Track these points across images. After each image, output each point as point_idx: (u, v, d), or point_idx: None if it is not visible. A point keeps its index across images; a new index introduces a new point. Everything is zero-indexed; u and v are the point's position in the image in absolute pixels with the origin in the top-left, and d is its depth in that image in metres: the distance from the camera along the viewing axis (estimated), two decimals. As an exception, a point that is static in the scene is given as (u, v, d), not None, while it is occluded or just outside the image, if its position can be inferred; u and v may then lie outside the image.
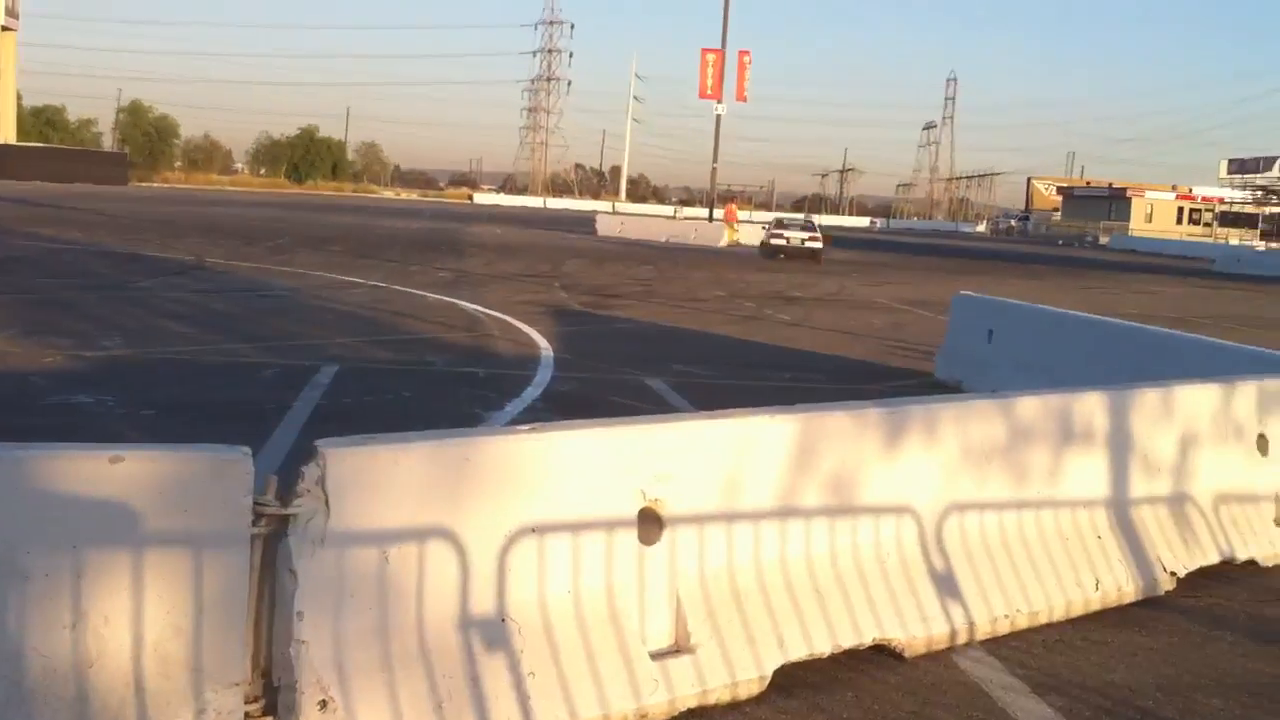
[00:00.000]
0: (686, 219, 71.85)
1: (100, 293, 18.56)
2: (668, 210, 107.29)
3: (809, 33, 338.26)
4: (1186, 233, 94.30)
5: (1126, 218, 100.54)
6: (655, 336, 17.23)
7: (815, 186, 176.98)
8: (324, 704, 3.77)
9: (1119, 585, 6.13)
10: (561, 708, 4.21)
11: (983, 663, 5.27)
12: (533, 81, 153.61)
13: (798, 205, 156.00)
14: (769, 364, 14.75)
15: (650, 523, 4.66)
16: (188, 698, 3.66)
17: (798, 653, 4.88)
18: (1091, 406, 6.37)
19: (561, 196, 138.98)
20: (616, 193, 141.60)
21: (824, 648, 4.97)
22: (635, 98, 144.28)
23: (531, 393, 11.41)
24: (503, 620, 4.23)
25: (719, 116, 61.62)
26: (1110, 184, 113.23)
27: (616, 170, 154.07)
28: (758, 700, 4.71)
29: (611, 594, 4.52)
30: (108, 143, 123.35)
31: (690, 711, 4.55)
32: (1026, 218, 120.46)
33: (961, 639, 5.42)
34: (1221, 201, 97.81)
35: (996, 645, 5.47)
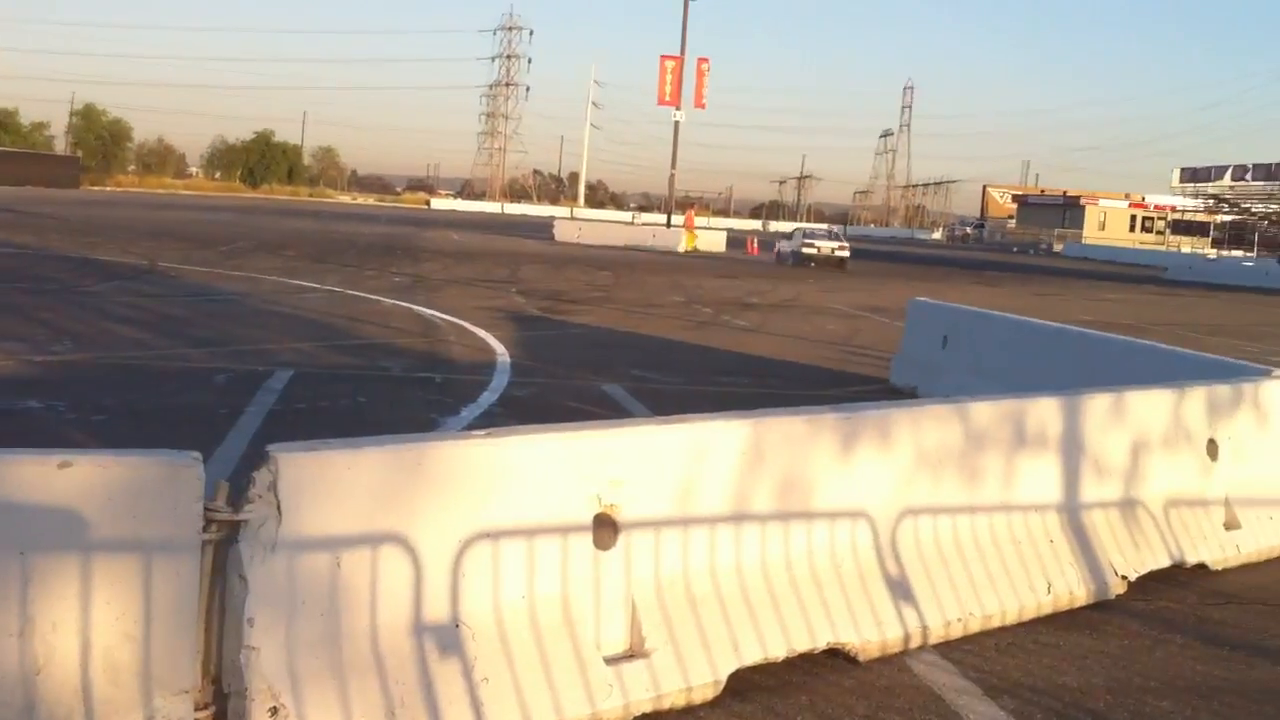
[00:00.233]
0: (645, 225, 71.89)
1: (52, 297, 18.37)
2: (626, 216, 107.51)
3: (767, 41, 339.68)
4: (1139, 240, 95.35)
5: (1080, 225, 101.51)
6: (612, 342, 17.22)
7: (773, 193, 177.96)
8: (275, 711, 3.74)
9: (1071, 589, 6.18)
10: (516, 713, 4.19)
11: (936, 666, 5.30)
12: (491, 87, 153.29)
13: (755, 212, 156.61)
14: (726, 369, 14.77)
15: (605, 528, 4.65)
16: (137, 705, 3.62)
17: (752, 657, 4.89)
18: (1044, 411, 6.42)
19: (519, 202, 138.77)
20: (575, 198, 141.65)
21: (779, 652, 4.98)
22: (594, 104, 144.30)
23: (488, 398, 11.37)
24: (457, 626, 4.21)
25: (677, 123, 61.78)
26: (1064, 192, 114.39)
27: (575, 176, 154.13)
28: (712, 705, 4.71)
29: (566, 599, 4.51)
30: (60, 146, 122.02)
31: (645, 716, 4.54)
32: (982, 225, 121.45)
33: (915, 643, 5.44)
34: (1174, 210, 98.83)
35: (950, 649, 5.50)
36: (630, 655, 4.62)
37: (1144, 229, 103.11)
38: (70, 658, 3.54)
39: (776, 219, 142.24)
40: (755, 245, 57.28)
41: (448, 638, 4.17)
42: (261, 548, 3.80)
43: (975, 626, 5.69)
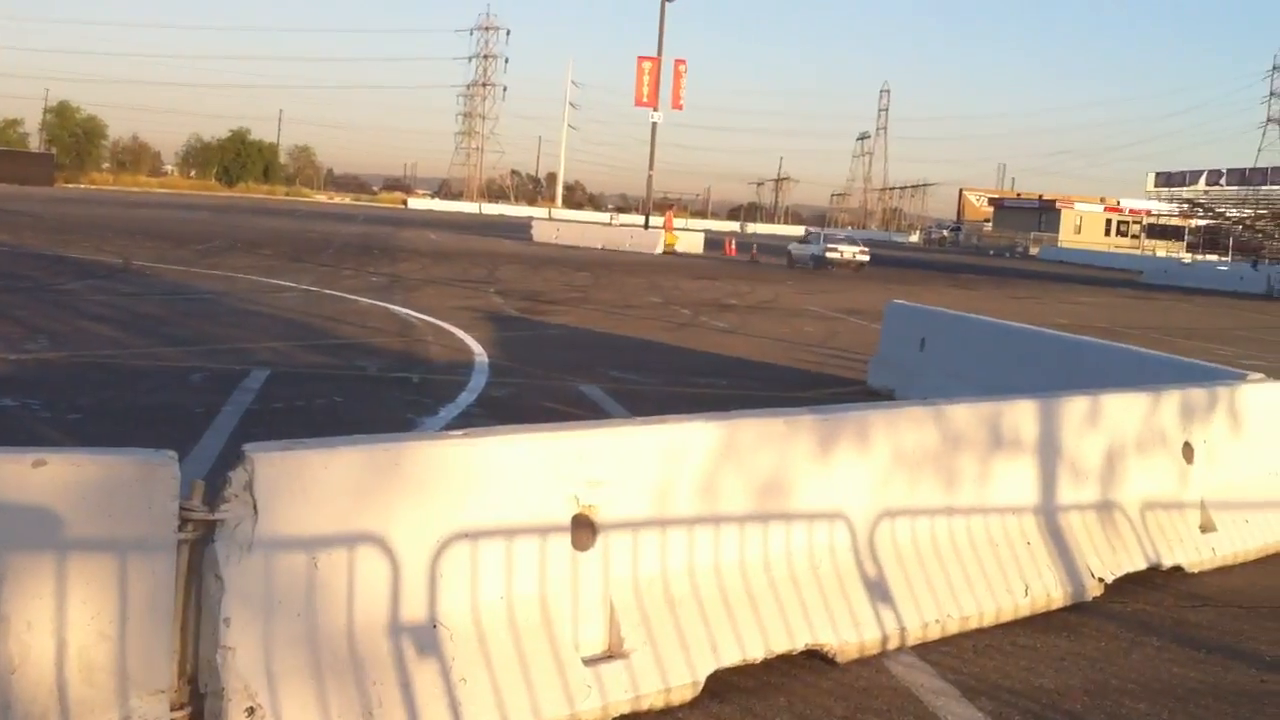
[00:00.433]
0: (622, 226, 71.88)
1: (26, 295, 18.25)
2: (604, 217, 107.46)
3: (745, 43, 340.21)
4: (1114, 244, 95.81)
5: (1056, 229, 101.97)
6: (590, 343, 17.21)
7: (751, 195, 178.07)
8: (251, 711, 3.72)
9: (1048, 591, 6.19)
10: (493, 714, 4.17)
11: (914, 667, 5.30)
12: (468, 87, 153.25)
13: (733, 214, 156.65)
14: (704, 371, 14.77)
15: (584, 528, 4.64)
16: (112, 704, 3.59)
17: (731, 658, 4.88)
18: (1021, 414, 6.44)
19: (497, 202, 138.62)
20: (552, 199, 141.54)
21: (757, 653, 4.98)
22: (571, 104, 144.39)
23: (466, 398, 11.34)
24: (434, 626, 4.19)
25: (655, 124, 61.70)
26: (1040, 196, 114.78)
27: (552, 176, 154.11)
28: (691, 706, 4.70)
29: (545, 600, 4.50)
30: (34, 143, 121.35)
31: (623, 717, 4.53)
32: (958, 228, 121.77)
33: (893, 644, 5.44)
34: (1149, 214, 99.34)
35: (928, 650, 5.50)
36: (609, 656, 4.61)
37: (1119, 233, 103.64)
38: (45, 657, 3.51)
39: (754, 220, 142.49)
40: (733, 246, 57.35)
41: (425, 638, 4.15)
42: (238, 547, 3.78)
43: (953, 628, 5.70)
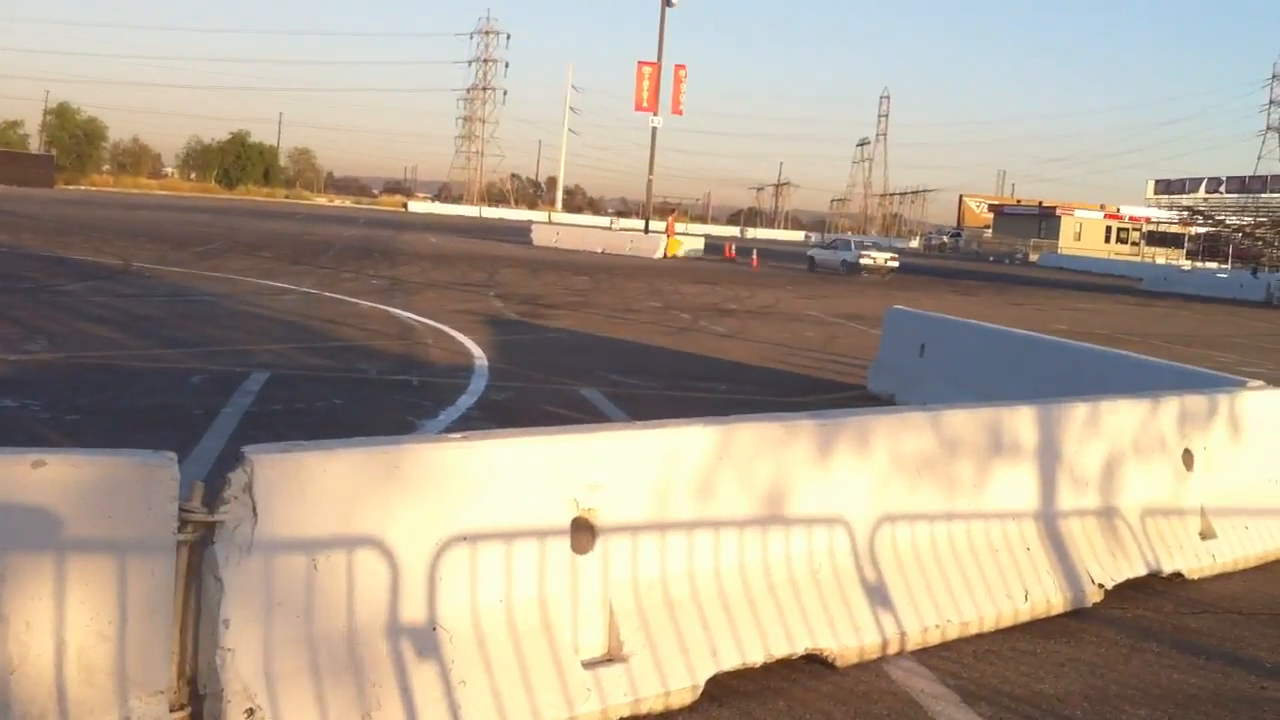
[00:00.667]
0: (622, 230, 71.91)
1: (25, 296, 18.25)
2: (604, 221, 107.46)
3: (745, 48, 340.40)
4: (1114, 251, 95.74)
5: (1056, 236, 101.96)
6: (590, 346, 17.20)
7: (751, 200, 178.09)
8: (251, 712, 3.71)
9: (1048, 597, 6.18)
10: (493, 716, 4.17)
11: (914, 673, 5.29)
12: (468, 91, 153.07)
13: (733, 219, 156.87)
14: (703, 375, 14.77)
15: (583, 532, 4.64)
16: (111, 705, 3.59)
17: (731, 662, 4.88)
18: (1021, 420, 6.43)
19: (497, 206, 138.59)
20: (552, 203, 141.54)
21: (757, 657, 4.97)
22: (572, 109, 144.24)
23: (466, 401, 11.34)
24: (434, 629, 4.19)
25: (655, 129, 61.79)
26: (1040, 203, 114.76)
27: (552, 180, 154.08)
28: (690, 709, 4.70)
29: (544, 603, 4.49)
30: (34, 145, 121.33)
31: (622, 721, 4.53)
32: (958, 234, 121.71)
33: (893, 649, 5.44)
34: (1149, 221, 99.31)
35: (927, 655, 5.50)
36: (608, 659, 4.61)
37: (1119, 240, 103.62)
38: (45, 657, 3.51)
39: (754, 226, 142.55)
40: (733, 251, 57.35)
41: (425, 640, 4.15)
42: (237, 549, 3.78)
43: (953, 633, 5.69)
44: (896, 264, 48.37)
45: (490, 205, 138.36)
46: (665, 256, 52.13)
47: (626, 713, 4.54)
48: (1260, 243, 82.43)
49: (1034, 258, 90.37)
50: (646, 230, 60.74)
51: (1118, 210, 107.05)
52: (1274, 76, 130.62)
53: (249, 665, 3.75)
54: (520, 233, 63.47)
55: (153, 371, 12.03)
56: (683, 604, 4.87)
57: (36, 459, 3.52)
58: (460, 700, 4.12)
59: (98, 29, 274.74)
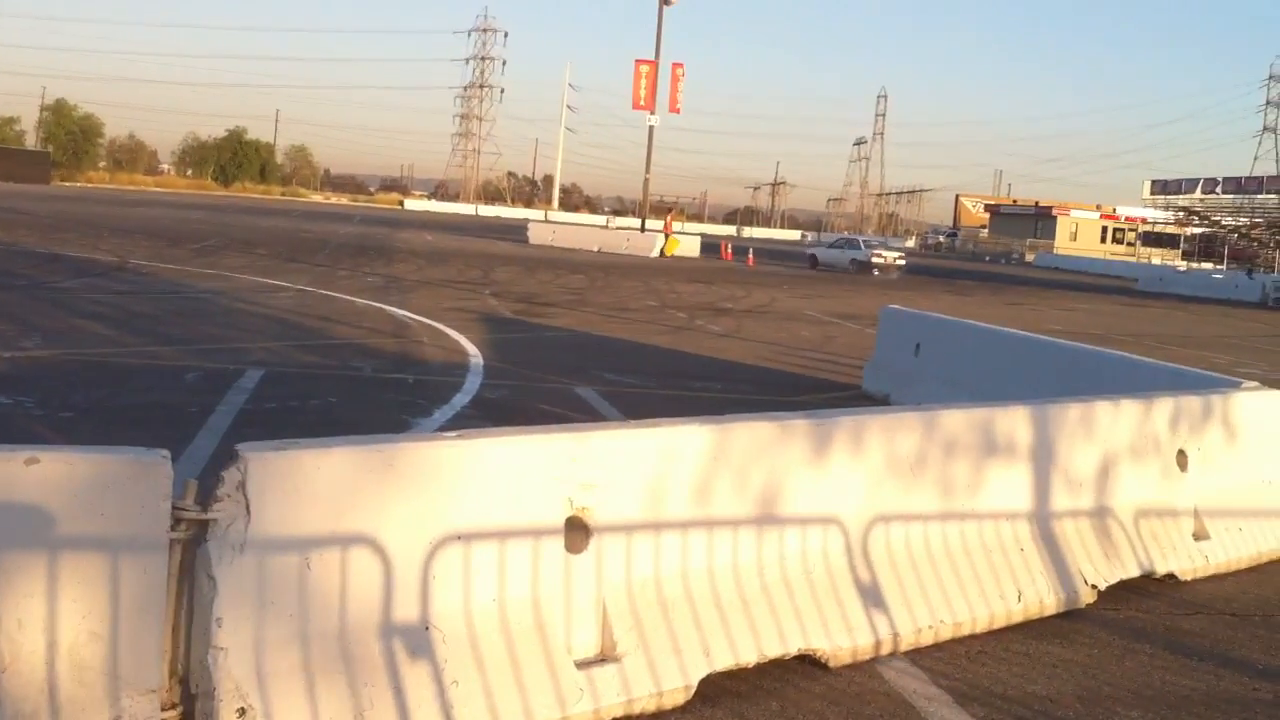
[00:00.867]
0: (619, 229, 71.86)
1: (20, 293, 18.23)
2: (600, 220, 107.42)
3: (742, 47, 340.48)
4: (1110, 252, 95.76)
5: (1052, 236, 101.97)
6: (585, 345, 17.20)
7: (747, 199, 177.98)
8: (243, 711, 3.71)
9: (1041, 597, 6.19)
10: (485, 717, 4.17)
11: (907, 673, 5.30)
12: (465, 89, 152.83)
13: (730, 217, 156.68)
14: (699, 374, 14.77)
15: (577, 531, 4.63)
16: (103, 704, 3.58)
17: (723, 662, 4.88)
18: (1015, 420, 6.44)
19: (494, 204, 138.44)
20: (549, 201, 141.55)
21: (750, 657, 4.97)
22: (569, 107, 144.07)
23: (460, 399, 11.33)
24: (426, 628, 4.19)
25: (651, 128, 61.75)
26: (1036, 202, 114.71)
27: (549, 179, 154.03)
28: (683, 710, 4.70)
29: (537, 602, 4.49)
30: (31, 141, 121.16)
31: (615, 721, 4.53)
32: (954, 234, 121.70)
33: (886, 649, 5.44)
34: (1144, 222, 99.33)
35: (920, 656, 5.50)
36: (601, 659, 4.61)
37: (1115, 240, 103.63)
38: (36, 655, 3.50)
39: (751, 225, 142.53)
40: (730, 250, 57.36)
41: (418, 640, 4.14)
42: (230, 547, 3.77)
43: (946, 634, 5.70)
44: (904, 262, 49.74)
45: (487, 203, 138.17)
46: (663, 255, 52.10)
47: (619, 713, 4.54)
48: (1256, 244, 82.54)
49: (1030, 258, 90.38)
50: (643, 229, 60.70)
51: (1113, 210, 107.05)
52: (1270, 77, 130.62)
53: (241, 664, 3.74)
54: (516, 231, 63.45)
55: (147, 369, 12.02)
56: (676, 604, 4.87)
57: (30, 456, 3.51)
58: (453, 700, 4.11)
59: (94, 25, 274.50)
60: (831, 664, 5.23)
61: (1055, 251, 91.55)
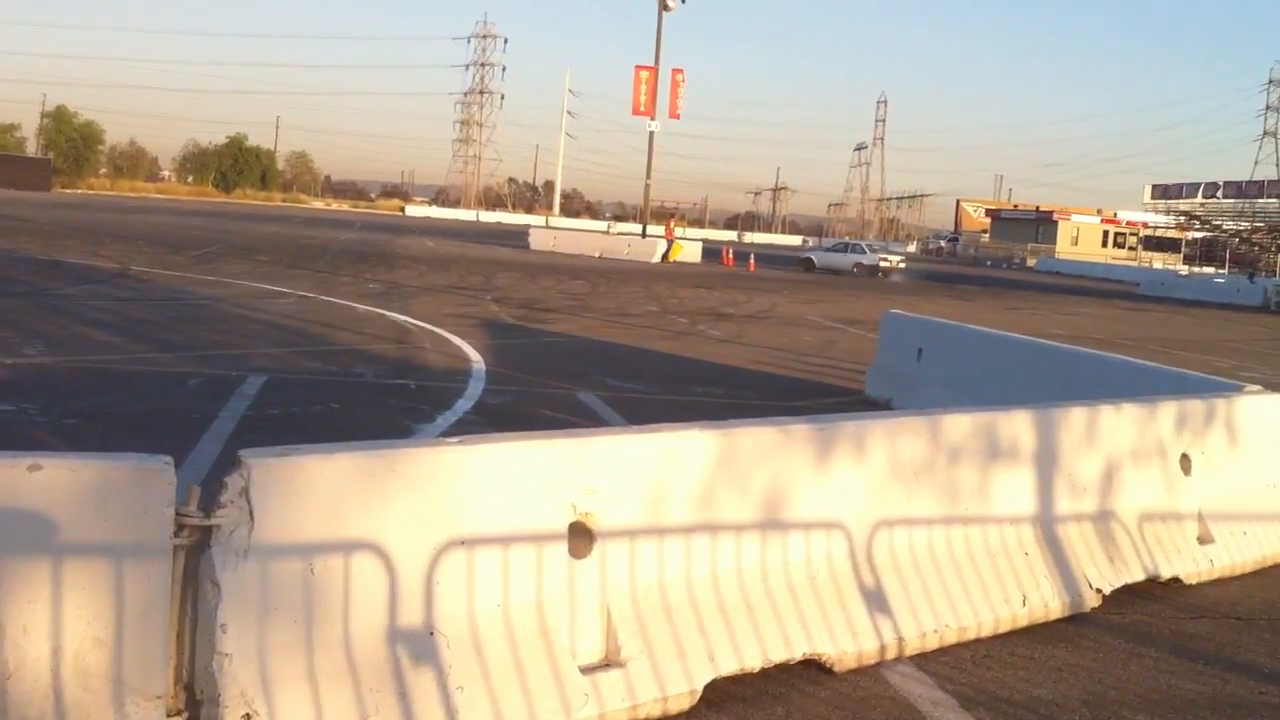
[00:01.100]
0: (620, 234, 71.91)
1: (22, 300, 18.23)
2: (601, 225, 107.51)
3: (742, 52, 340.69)
4: (1111, 256, 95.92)
5: (1053, 240, 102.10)
6: (587, 351, 17.20)
7: (748, 204, 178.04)
8: (248, 717, 3.70)
9: (1046, 602, 6.18)
10: (490, 723, 4.16)
11: (912, 678, 5.28)
12: (465, 94, 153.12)
13: (730, 223, 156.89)
14: (701, 379, 14.76)
15: (581, 536, 4.63)
16: (108, 710, 3.57)
17: (728, 667, 4.87)
18: (1019, 425, 6.43)
19: (494, 210, 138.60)
20: (550, 207, 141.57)
21: (755, 662, 4.96)
22: (569, 113, 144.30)
23: (463, 405, 11.33)
24: (431, 634, 4.18)
25: (652, 133, 61.83)
26: (1037, 207, 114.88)
27: (550, 185, 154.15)
28: (688, 715, 4.69)
29: (542, 608, 4.48)
30: (31, 148, 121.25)
31: (620, 726, 4.51)
32: (956, 239, 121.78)
33: (891, 654, 5.43)
34: (1146, 226, 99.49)
35: (925, 660, 5.49)
36: (606, 664, 4.60)
37: (1116, 245, 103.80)
38: (41, 662, 3.50)
39: (752, 230, 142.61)
40: (731, 256, 57.38)
41: (422, 645, 4.14)
42: (233, 553, 3.77)
43: (951, 638, 5.69)
44: (904, 265, 54.09)
45: (488, 209, 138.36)
46: (665, 261, 52.17)
47: (624, 718, 4.52)
48: (1257, 248, 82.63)
49: (1031, 262, 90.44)
50: (644, 235, 60.73)
51: (1115, 215, 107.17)
52: (1271, 81, 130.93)
53: (246, 670, 3.74)
54: (518, 237, 63.48)
55: (149, 375, 12.01)
56: (681, 609, 4.86)
57: (33, 463, 3.51)
58: (458, 705, 4.10)
59: (95, 32, 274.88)
60: (837, 669, 5.22)
61: (1057, 256, 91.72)
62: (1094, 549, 6.60)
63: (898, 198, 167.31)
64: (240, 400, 10.64)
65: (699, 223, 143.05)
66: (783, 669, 5.10)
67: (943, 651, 5.61)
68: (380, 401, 11.38)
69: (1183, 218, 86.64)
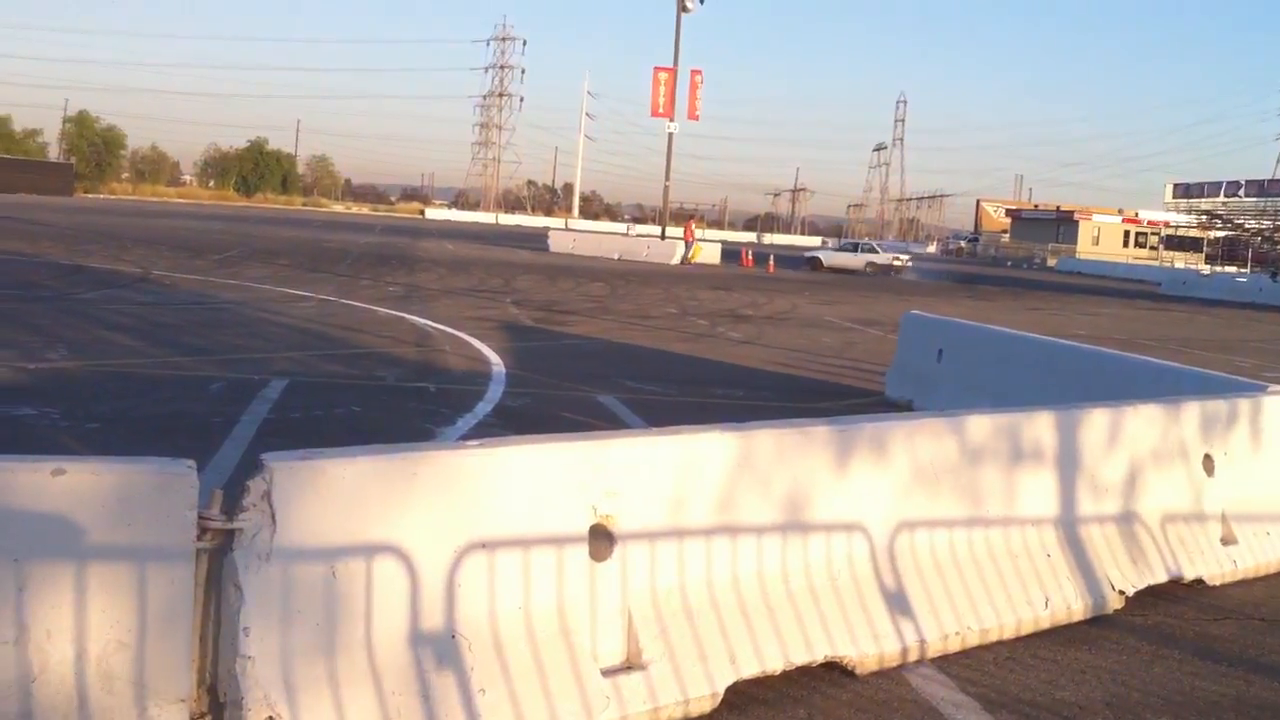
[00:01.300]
0: (639, 236, 71.91)
1: (44, 304, 18.32)
2: (620, 227, 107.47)
3: (761, 53, 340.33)
4: (1133, 256, 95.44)
5: (1074, 240, 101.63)
6: (607, 353, 17.20)
7: (767, 205, 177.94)
8: (270, 720, 3.71)
9: (1068, 603, 6.16)
10: (511, 725, 4.16)
11: (934, 680, 5.27)
12: (485, 97, 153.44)
13: (750, 224, 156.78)
14: (721, 381, 14.75)
15: (601, 539, 4.63)
16: (132, 714, 3.59)
17: (750, 670, 4.86)
18: (1041, 426, 6.41)
19: (514, 212, 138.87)
20: (569, 209, 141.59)
21: (776, 665, 4.96)
22: (588, 115, 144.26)
23: (483, 408, 11.34)
24: (453, 636, 4.19)
25: (671, 135, 61.78)
26: (1058, 207, 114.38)
27: (569, 187, 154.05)
28: (710, 717, 4.68)
29: (563, 610, 4.48)
30: (54, 153, 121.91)
31: (641, 729, 4.51)
32: (976, 239, 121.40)
33: (913, 656, 5.42)
34: (1167, 225, 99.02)
35: (947, 662, 5.48)
36: (627, 667, 4.60)
37: (1138, 244, 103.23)
38: (65, 665, 3.52)
39: (771, 231, 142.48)
40: (750, 258, 57.33)
41: (444, 648, 4.14)
42: (256, 556, 3.78)
43: (973, 640, 5.67)
44: (912, 263, 56.48)
45: (507, 212, 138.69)
46: (686, 262, 52.16)
47: (646, 720, 4.53)
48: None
49: (1052, 262, 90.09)
50: (663, 236, 60.71)
51: (1136, 214, 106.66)
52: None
53: (269, 673, 3.75)
54: (537, 239, 63.53)
55: (171, 379, 12.06)
56: (702, 611, 4.86)
57: (56, 467, 3.53)
58: (480, 708, 4.11)
59: (116, 37, 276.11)
60: (858, 671, 5.22)
61: (1077, 256, 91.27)
62: (1116, 550, 6.57)
63: (917, 198, 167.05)
64: (262, 404, 10.68)
65: (718, 224, 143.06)
66: (804, 671, 5.09)
67: (964, 653, 5.60)
68: (401, 404, 11.41)
69: (1204, 217, 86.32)
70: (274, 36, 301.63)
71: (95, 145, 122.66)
